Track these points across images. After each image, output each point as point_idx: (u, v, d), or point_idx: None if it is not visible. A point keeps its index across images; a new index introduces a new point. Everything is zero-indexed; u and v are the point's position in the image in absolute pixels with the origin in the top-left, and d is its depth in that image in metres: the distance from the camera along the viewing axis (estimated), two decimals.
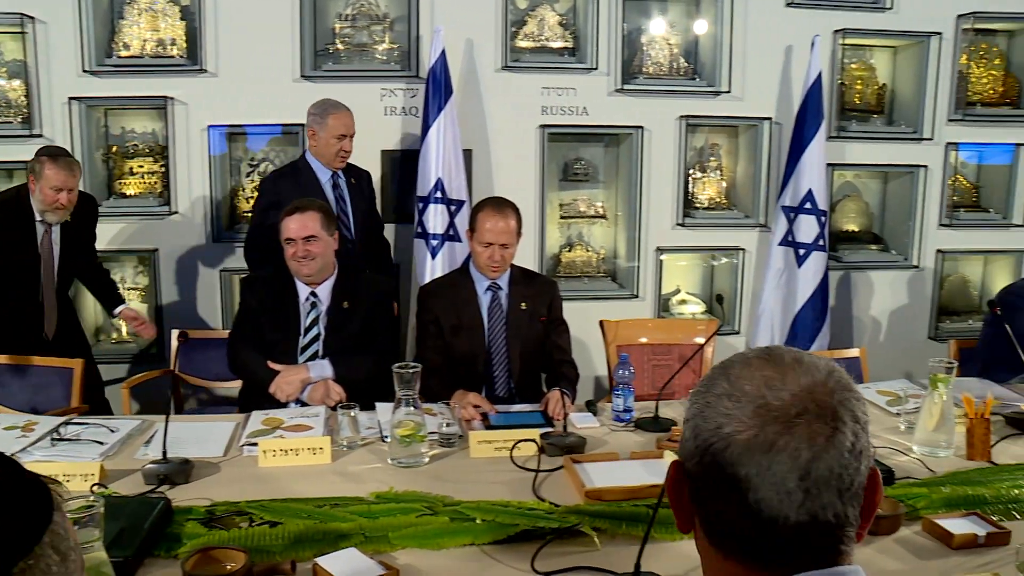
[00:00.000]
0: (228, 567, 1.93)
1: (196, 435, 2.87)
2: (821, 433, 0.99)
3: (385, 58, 4.99)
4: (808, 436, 0.98)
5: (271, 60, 4.78)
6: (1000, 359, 3.89)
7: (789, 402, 1.00)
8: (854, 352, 4.18)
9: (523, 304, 3.51)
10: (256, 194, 4.65)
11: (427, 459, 2.70)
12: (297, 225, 3.37)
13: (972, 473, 2.67)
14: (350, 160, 4.42)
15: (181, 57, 4.81)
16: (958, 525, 2.24)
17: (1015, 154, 5.72)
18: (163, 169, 4.96)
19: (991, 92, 5.73)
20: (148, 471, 2.50)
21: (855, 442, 1.00)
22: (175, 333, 3.98)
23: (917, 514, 2.32)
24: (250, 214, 4.69)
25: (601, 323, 4.11)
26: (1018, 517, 2.36)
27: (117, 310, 4.29)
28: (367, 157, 4.90)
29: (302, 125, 4.75)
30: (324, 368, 3.34)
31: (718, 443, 1.01)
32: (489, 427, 2.95)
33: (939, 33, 5.38)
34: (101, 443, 2.78)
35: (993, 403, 2.91)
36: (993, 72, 5.74)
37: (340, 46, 4.96)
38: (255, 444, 2.72)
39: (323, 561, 1.97)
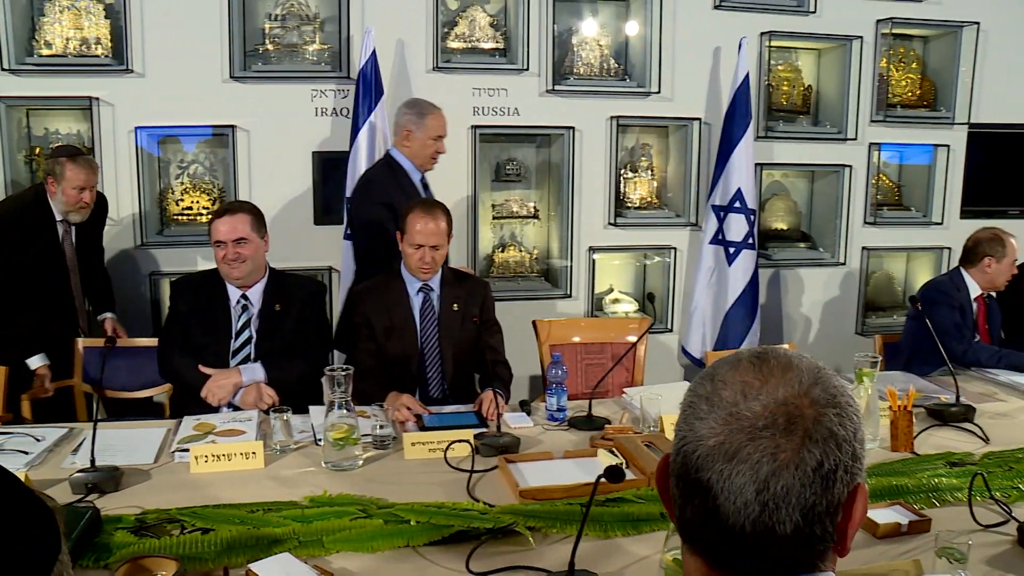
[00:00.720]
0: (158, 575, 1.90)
1: (126, 442, 2.82)
2: (785, 449, 0.97)
3: (315, 59, 4.95)
4: (771, 450, 0.97)
5: (199, 60, 4.70)
6: (922, 352, 4.01)
7: (759, 413, 0.98)
8: (784, 348, 4.25)
9: (455, 305, 3.52)
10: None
11: (361, 462, 2.70)
12: (227, 227, 3.33)
13: (896, 464, 2.75)
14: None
15: (106, 56, 4.70)
16: (883, 515, 2.30)
17: (934, 154, 5.90)
18: None
19: (910, 95, 5.91)
20: (76, 480, 2.45)
21: (823, 461, 0.97)
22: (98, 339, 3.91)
23: None
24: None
25: (534, 323, 4.13)
26: (938, 505, 2.44)
27: (102, 316, 4.32)
28: (297, 159, 4.87)
29: (232, 127, 4.70)
30: (256, 371, 3.31)
31: (690, 444, 1.01)
32: (423, 428, 2.95)
33: (860, 37, 5.51)
34: (26, 453, 2.72)
35: (915, 395, 3.00)
36: (911, 75, 5.91)
37: (270, 46, 4.90)
38: (186, 450, 2.69)
39: (256, 567, 1.95)
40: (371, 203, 4.08)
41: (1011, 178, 6.15)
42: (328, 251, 4.94)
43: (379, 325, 3.44)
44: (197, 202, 5.01)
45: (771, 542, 0.97)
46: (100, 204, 4.28)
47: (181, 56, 4.68)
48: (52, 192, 3.99)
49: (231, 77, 4.73)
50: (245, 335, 3.42)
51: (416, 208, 3.45)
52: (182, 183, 5.00)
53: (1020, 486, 2.54)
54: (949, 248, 5.87)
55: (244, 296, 3.44)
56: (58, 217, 4.05)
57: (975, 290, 4.28)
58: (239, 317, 3.43)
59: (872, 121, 5.67)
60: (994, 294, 4.42)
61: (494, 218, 5.48)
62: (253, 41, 4.89)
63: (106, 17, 4.73)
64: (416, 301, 3.50)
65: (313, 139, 4.92)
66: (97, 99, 4.65)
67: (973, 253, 4.30)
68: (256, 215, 3.44)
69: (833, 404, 1.00)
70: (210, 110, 4.76)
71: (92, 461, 2.50)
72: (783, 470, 0.96)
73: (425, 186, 4.28)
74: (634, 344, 3.78)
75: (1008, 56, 5.80)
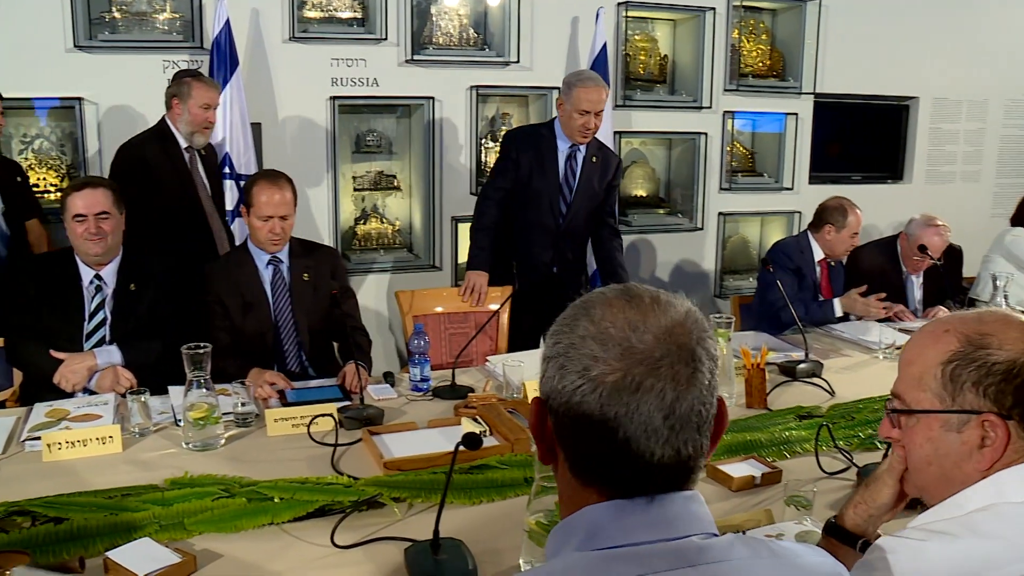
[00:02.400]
0: (7, 571, 1.83)
1: None
2: (683, 374, 1.04)
3: (166, 27, 4.78)
4: (672, 377, 1.03)
5: (40, 29, 4.45)
6: (773, 312, 4.17)
7: (652, 344, 1.04)
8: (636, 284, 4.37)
9: (305, 275, 3.49)
10: None
11: (223, 441, 2.65)
12: (88, 201, 3.20)
13: (750, 420, 2.87)
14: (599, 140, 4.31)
15: None
16: (737, 469, 2.40)
17: (784, 122, 6.13)
18: None
19: (760, 65, 6.12)
20: None
21: (711, 379, 1.07)
22: None
23: None
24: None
25: (396, 294, 4.12)
26: (789, 457, 2.57)
27: None
28: None
29: (79, 99, 4.50)
30: (112, 354, 3.20)
31: (586, 384, 1.04)
32: (286, 404, 2.92)
33: (713, 8, 5.67)
34: None
35: (768, 354, 3.12)
36: (761, 47, 6.13)
37: (117, 14, 4.70)
38: (38, 438, 2.58)
39: (114, 554, 1.90)
40: (503, 152, 4.29)
41: (854, 146, 6.47)
42: None
43: (231, 302, 3.38)
44: (44, 179, 4.79)
45: (675, 462, 1.06)
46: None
47: (19, 24, 4.42)
48: (178, 113, 4.10)
49: (75, 47, 4.51)
50: (99, 316, 3.30)
51: (260, 180, 3.40)
52: (27, 159, 4.76)
53: (860, 435, 2.69)
54: (800, 212, 6.12)
55: (98, 276, 3.31)
56: (183, 144, 4.15)
57: (819, 254, 4.45)
58: (92, 298, 3.30)
59: (726, 90, 5.85)
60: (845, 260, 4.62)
61: (355, 190, 5.43)
62: (99, 9, 4.67)
63: None
64: (267, 275, 3.45)
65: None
66: None
67: (818, 219, 4.46)
68: (115, 190, 3.32)
69: (704, 328, 1.09)
70: (54, 82, 4.52)
71: None
72: (686, 393, 1.04)
73: (571, 156, 4.26)
74: (496, 312, 3.81)
75: (849, 29, 6.06)
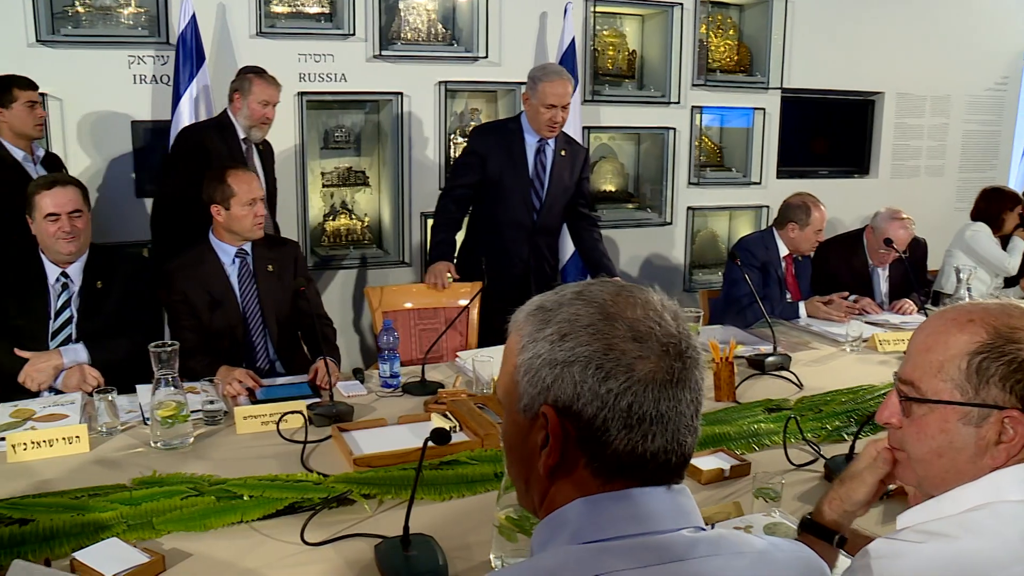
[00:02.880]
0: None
1: None
2: (699, 360, 1.09)
3: (132, 23, 4.73)
4: (697, 368, 1.08)
5: (2, 23, 4.41)
6: (741, 306, 4.20)
7: (677, 336, 1.07)
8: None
9: (270, 267, 3.48)
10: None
11: (191, 439, 2.63)
12: (61, 199, 3.16)
13: (719, 413, 2.88)
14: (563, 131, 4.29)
15: None
16: (707, 462, 2.41)
17: (752, 117, 6.16)
18: None
19: (728, 60, 6.16)
20: None
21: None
22: None
23: None
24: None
25: (365, 291, 4.11)
26: (757, 449, 2.58)
27: None
28: (115, 129, 4.66)
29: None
30: (78, 352, 3.17)
31: (636, 385, 1.04)
32: (255, 402, 2.90)
33: (680, 4, 5.69)
34: None
35: (737, 347, 3.14)
36: (728, 42, 6.17)
37: (80, 9, 4.65)
38: (2, 439, 2.55)
39: (81, 555, 1.88)
40: (468, 148, 4.34)
41: (820, 140, 6.53)
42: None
43: (198, 299, 3.36)
44: None
45: (689, 451, 1.10)
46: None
47: None
48: (237, 107, 4.29)
49: (38, 41, 4.47)
50: (66, 314, 3.26)
51: (230, 170, 3.44)
52: None
53: (828, 427, 2.72)
54: (768, 206, 6.17)
55: (64, 274, 3.27)
56: (241, 135, 4.30)
57: (784, 250, 4.46)
58: (59, 296, 3.26)
59: (694, 85, 5.88)
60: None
61: (324, 186, 5.41)
62: (62, 3, 4.62)
63: None
64: (233, 269, 3.44)
65: (132, 108, 4.71)
66: None
67: (782, 216, 4.47)
68: (83, 189, 3.30)
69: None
70: None
71: None
72: (700, 381, 1.09)
73: (539, 151, 4.26)
74: (465, 307, 3.81)
75: (815, 25, 6.12)
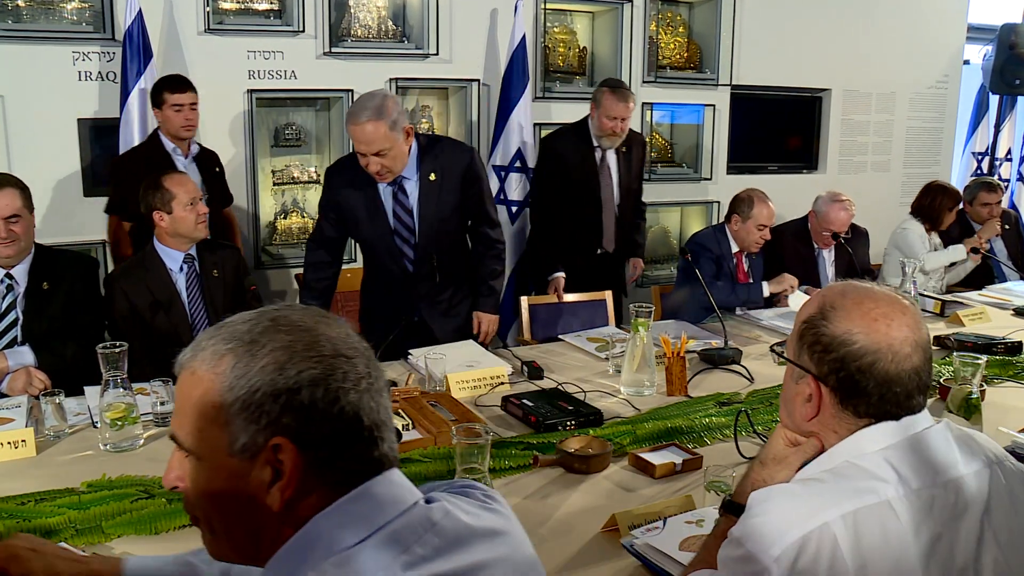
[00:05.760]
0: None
1: None
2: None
3: (76, 18, 4.64)
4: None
5: None
6: (692, 301, 4.23)
7: (365, 347, 1.18)
8: (605, 295, 4.67)
9: (215, 271, 3.47)
10: None
11: (141, 441, 2.59)
12: None
13: (671, 408, 2.89)
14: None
15: None
16: (659, 456, 2.43)
17: (702, 114, 6.21)
18: None
19: (678, 57, 6.20)
20: None
21: None
22: None
23: (624, 450, 2.49)
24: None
25: None
26: (709, 443, 2.60)
27: None
28: (60, 127, 4.57)
29: None
30: (24, 355, 3.11)
31: (362, 398, 1.11)
32: None
33: (630, 1, 5.71)
34: None
35: (688, 342, 3.16)
36: (678, 39, 6.21)
37: (21, 3, 4.55)
38: None
39: None
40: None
41: (769, 137, 6.60)
42: (99, 224, 4.66)
43: (143, 306, 3.32)
44: None
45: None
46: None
47: None
48: (592, 116, 4.67)
49: None
50: (10, 317, 3.20)
51: (173, 174, 3.44)
52: None
53: (777, 419, 2.73)
54: (718, 202, 6.22)
55: (8, 275, 3.21)
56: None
57: (735, 245, 4.51)
58: (3, 298, 3.20)
59: (644, 82, 5.91)
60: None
61: (275, 184, 5.36)
62: None
63: None
64: (180, 275, 3.43)
65: (78, 105, 4.62)
66: None
67: (729, 209, 4.52)
68: (24, 190, 3.21)
69: None
70: None
71: None
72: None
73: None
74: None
75: (763, 22, 6.19)
